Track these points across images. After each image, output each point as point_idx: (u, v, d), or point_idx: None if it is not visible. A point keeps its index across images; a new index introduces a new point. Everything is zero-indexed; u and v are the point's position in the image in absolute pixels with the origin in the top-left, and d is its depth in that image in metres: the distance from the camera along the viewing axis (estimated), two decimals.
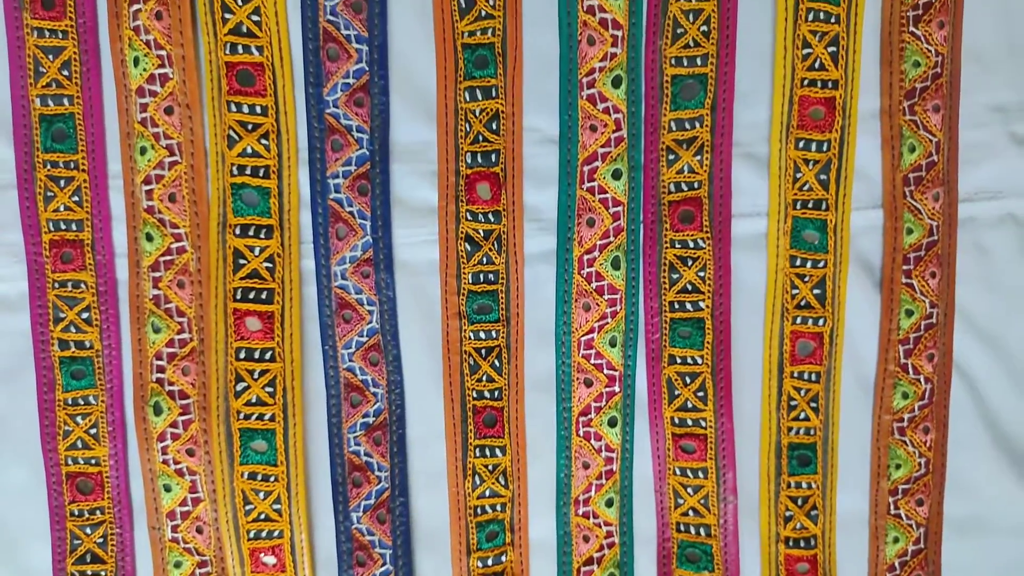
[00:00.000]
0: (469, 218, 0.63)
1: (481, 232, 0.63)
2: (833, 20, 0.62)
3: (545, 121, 0.63)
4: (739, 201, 0.65)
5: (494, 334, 0.65)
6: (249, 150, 0.62)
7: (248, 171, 0.62)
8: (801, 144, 0.63)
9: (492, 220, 0.63)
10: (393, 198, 0.64)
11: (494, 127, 0.62)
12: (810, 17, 0.62)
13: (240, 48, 0.61)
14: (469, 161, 0.63)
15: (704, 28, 0.62)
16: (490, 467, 0.66)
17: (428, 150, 0.63)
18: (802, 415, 0.67)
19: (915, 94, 0.64)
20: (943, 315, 0.66)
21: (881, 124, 0.64)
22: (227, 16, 0.60)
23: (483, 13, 0.61)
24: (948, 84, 0.64)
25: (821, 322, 0.65)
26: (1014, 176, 0.66)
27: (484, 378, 0.65)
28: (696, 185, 0.64)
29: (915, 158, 0.64)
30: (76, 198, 0.62)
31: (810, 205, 0.64)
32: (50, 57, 0.61)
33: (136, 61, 0.61)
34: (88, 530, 0.66)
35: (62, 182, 0.62)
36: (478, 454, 0.66)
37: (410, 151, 0.63)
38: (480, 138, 0.62)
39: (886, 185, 0.65)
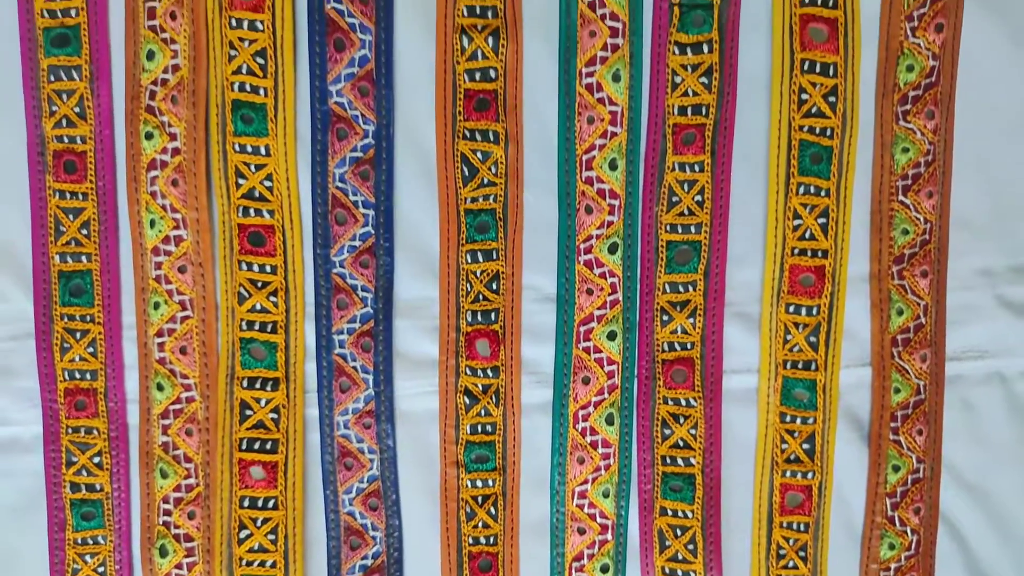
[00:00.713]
0: (468, 373, 0.65)
1: (480, 386, 0.66)
2: (823, 193, 0.64)
3: (543, 279, 0.66)
4: (731, 358, 0.67)
5: (491, 482, 0.67)
6: (258, 306, 0.64)
7: (257, 326, 0.65)
8: (791, 308, 0.65)
9: (491, 375, 0.66)
10: (395, 352, 0.66)
11: (494, 287, 0.65)
12: (801, 191, 0.64)
13: (252, 211, 0.63)
14: (470, 319, 0.65)
15: (698, 198, 0.64)
16: None
17: (430, 306, 0.66)
18: (791, 564, 0.68)
19: (903, 260, 0.66)
20: (930, 469, 0.68)
21: (870, 288, 0.66)
22: (241, 181, 0.63)
23: (485, 181, 0.64)
24: (936, 250, 0.66)
25: (810, 475, 0.67)
26: (1001, 337, 0.68)
27: (480, 524, 0.67)
28: (689, 346, 0.66)
29: (903, 321, 0.66)
30: (91, 349, 0.65)
31: (800, 365, 0.66)
32: (70, 217, 0.63)
33: (152, 223, 0.63)
34: None
35: (78, 334, 0.65)
36: None
37: (413, 307, 0.66)
38: (481, 297, 0.65)
39: (874, 346, 0.67)
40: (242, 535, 0.66)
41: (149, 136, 0.63)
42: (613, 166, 0.64)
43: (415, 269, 0.65)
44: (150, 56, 0.62)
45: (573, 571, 0.68)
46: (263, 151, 0.63)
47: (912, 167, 0.65)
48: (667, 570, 0.68)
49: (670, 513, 0.67)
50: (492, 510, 0.67)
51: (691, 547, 0.67)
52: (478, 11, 0.62)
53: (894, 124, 0.64)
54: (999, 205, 0.66)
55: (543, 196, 0.64)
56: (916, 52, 0.63)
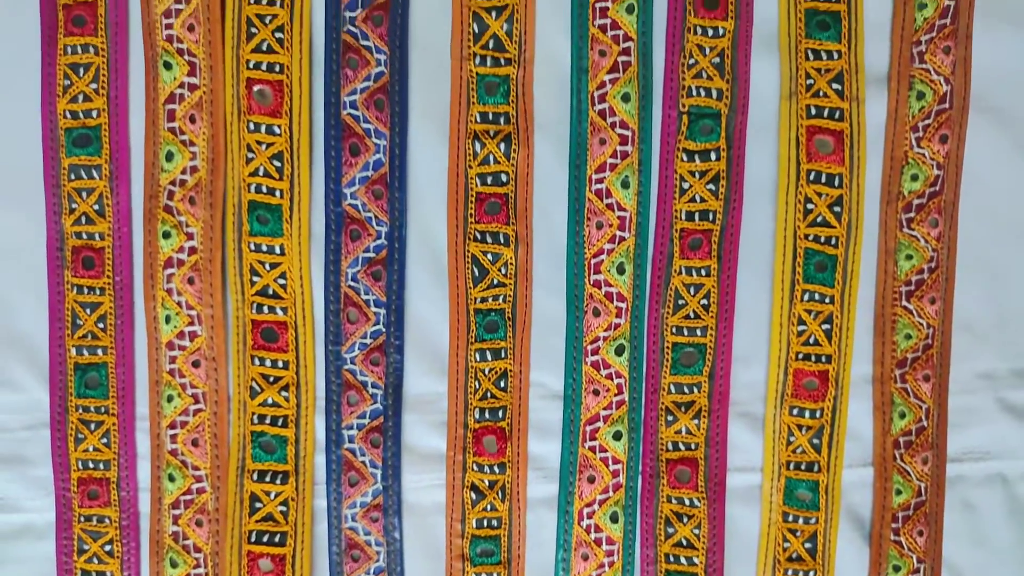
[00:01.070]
0: (475, 469, 0.66)
1: (486, 482, 0.67)
2: (828, 300, 0.65)
3: (550, 377, 0.67)
4: (735, 456, 0.67)
5: None
6: (270, 400, 0.65)
7: (268, 420, 0.66)
8: (795, 411, 0.66)
9: (497, 471, 0.67)
10: (404, 446, 0.67)
11: (502, 385, 0.66)
12: (805, 297, 0.65)
13: (266, 308, 0.65)
14: (477, 416, 0.66)
15: (704, 302, 0.65)
16: None
17: (439, 401, 0.67)
18: None
19: (906, 364, 0.67)
20: (930, 570, 0.69)
21: (873, 391, 0.67)
22: (255, 279, 0.64)
23: (495, 281, 0.65)
24: (939, 354, 0.67)
25: (812, 574, 0.68)
26: (1002, 439, 0.68)
27: None
28: (693, 446, 0.66)
29: (905, 424, 0.67)
30: (105, 440, 0.66)
31: (803, 467, 0.67)
32: (87, 311, 0.65)
33: (168, 319, 0.65)
34: None
35: (92, 425, 0.66)
36: None
37: (422, 402, 0.67)
38: (488, 395, 0.66)
39: (876, 448, 0.68)
40: None
41: (167, 235, 0.64)
42: (621, 270, 0.65)
43: (425, 366, 0.66)
44: (169, 157, 0.63)
45: None
46: (278, 250, 0.64)
47: (915, 273, 0.66)
48: None
49: None
50: None
51: None
52: (491, 117, 0.63)
53: (898, 231, 0.65)
54: (1001, 310, 0.67)
55: (551, 296, 0.66)
56: (921, 162, 0.64)
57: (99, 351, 0.65)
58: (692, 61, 0.63)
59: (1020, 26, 0.64)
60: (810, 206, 0.64)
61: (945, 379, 0.67)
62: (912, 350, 0.66)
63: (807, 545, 0.68)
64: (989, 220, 0.66)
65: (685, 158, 0.64)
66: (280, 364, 0.65)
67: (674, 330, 0.66)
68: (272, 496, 0.66)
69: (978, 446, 0.68)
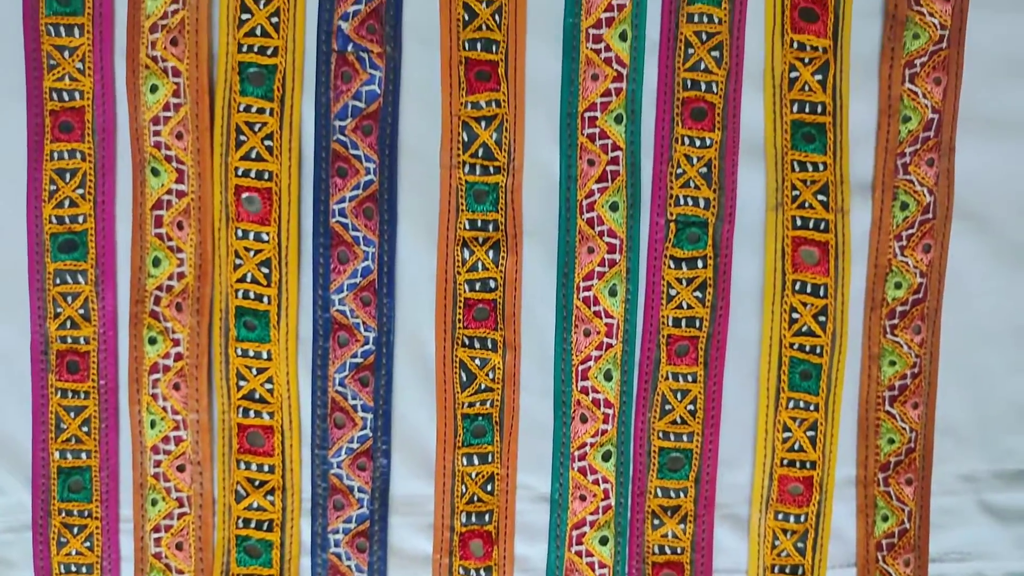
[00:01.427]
0: (461, 572, 0.66)
1: None
2: (812, 408, 0.65)
3: (537, 480, 0.67)
4: (719, 559, 0.68)
5: None
6: (255, 505, 0.65)
7: (253, 524, 0.65)
8: (780, 516, 0.67)
9: (483, 574, 0.66)
10: (390, 548, 0.67)
11: (489, 489, 0.66)
12: (790, 405, 0.65)
13: (252, 412, 0.64)
14: (464, 520, 0.66)
15: (691, 407, 0.65)
16: None
17: (426, 503, 0.66)
18: None
19: (889, 467, 0.67)
20: None
21: (856, 494, 0.67)
22: (242, 383, 0.64)
23: (483, 386, 0.65)
24: (921, 458, 0.67)
25: None
26: (983, 540, 0.69)
27: None
28: (679, 551, 0.67)
29: (888, 526, 0.68)
30: (88, 544, 0.65)
31: (787, 570, 0.67)
32: (71, 415, 0.64)
33: (153, 423, 0.64)
34: None
35: (75, 529, 0.65)
36: None
37: (408, 503, 0.66)
38: (475, 499, 0.66)
39: (860, 550, 0.68)
40: None
41: (152, 341, 0.63)
42: (608, 377, 0.65)
43: (412, 469, 0.66)
44: (156, 263, 0.63)
45: None
46: (265, 355, 0.64)
47: (899, 379, 0.66)
48: None
49: None
50: None
51: None
52: (479, 224, 0.64)
53: (881, 337, 0.66)
54: (983, 414, 0.68)
55: (539, 401, 0.66)
56: (904, 270, 0.65)
57: (83, 455, 0.65)
58: (680, 170, 0.64)
59: (1001, 136, 0.65)
60: (795, 315, 0.65)
61: (927, 482, 0.68)
62: (895, 454, 0.67)
63: None
64: (971, 325, 0.67)
65: (672, 266, 0.65)
66: (266, 468, 0.65)
67: (661, 435, 0.66)
68: None
69: (959, 547, 0.69)
